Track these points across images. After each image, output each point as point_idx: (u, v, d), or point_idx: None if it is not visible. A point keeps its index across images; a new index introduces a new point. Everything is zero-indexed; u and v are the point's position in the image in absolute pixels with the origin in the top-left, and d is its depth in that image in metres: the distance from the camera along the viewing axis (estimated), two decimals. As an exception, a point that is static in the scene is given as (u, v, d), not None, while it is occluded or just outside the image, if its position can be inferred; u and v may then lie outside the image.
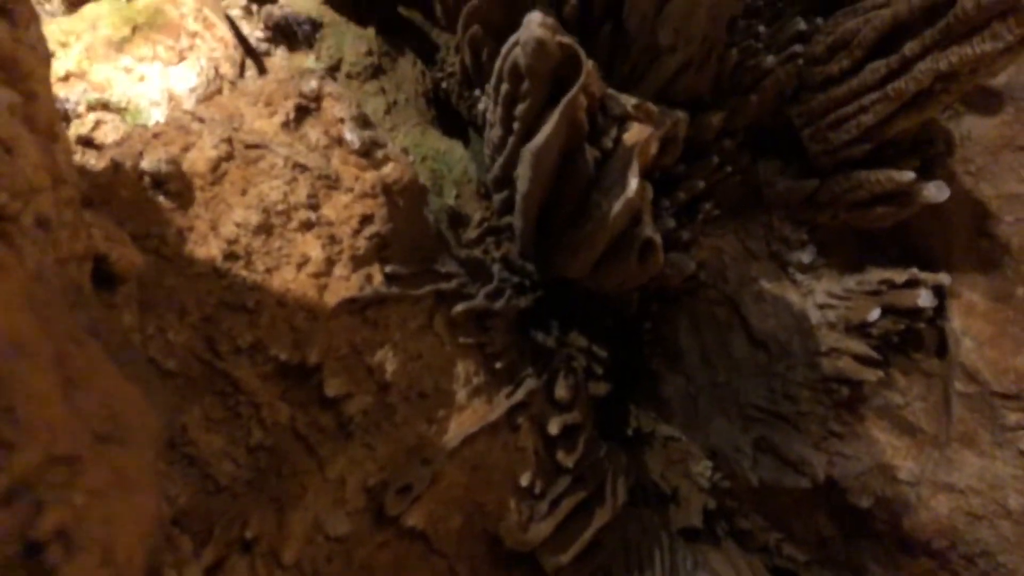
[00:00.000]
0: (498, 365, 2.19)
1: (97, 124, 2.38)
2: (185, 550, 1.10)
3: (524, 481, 2.08)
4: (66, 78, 2.41)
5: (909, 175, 2.00)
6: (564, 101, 1.63)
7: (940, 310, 2.16)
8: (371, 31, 2.98)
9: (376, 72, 2.94)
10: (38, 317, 0.73)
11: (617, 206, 1.73)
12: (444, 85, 3.10)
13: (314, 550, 1.67)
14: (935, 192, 2.00)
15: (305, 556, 1.65)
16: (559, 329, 2.68)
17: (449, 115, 3.14)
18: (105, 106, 2.41)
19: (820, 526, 2.46)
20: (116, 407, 0.73)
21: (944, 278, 2.12)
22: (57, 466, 0.67)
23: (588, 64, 1.64)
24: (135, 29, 2.51)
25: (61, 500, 0.66)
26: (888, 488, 2.20)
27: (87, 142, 2.33)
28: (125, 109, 2.42)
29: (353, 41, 2.92)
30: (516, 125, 1.89)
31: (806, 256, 2.36)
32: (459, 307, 2.09)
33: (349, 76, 2.85)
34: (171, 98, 2.45)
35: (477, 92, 2.86)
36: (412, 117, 2.96)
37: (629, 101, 1.85)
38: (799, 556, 2.56)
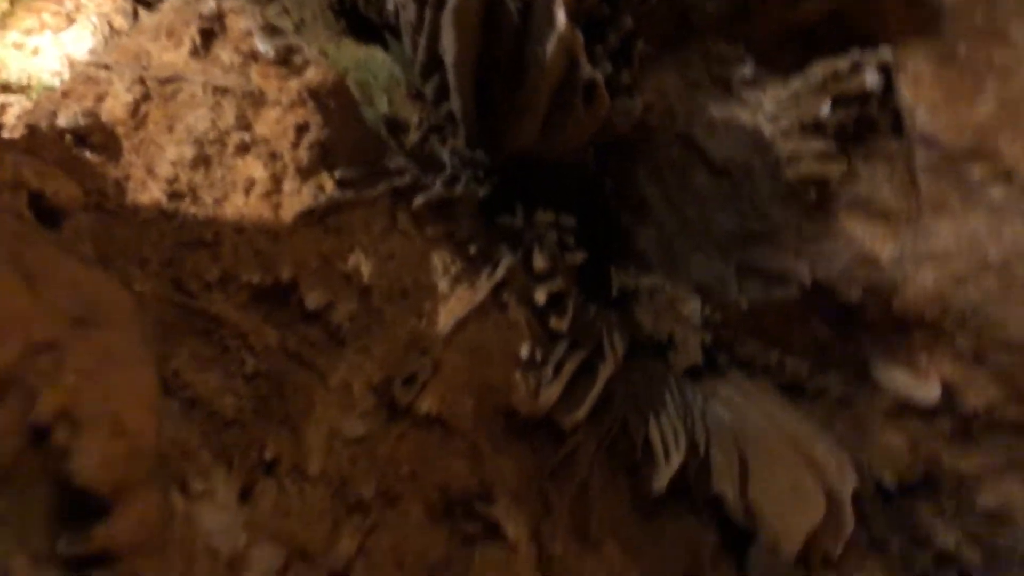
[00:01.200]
0: (472, 250, 2.18)
1: (2, 108, 2.28)
2: (205, 461, 1.09)
3: (523, 353, 2.09)
4: (-45, 68, 2.29)
5: (831, -50, 1.97)
6: (470, -56, 1.57)
7: (889, 89, 2.16)
8: (259, -48, 2.84)
9: (274, -7, 2.82)
10: (-20, 222, 0.69)
11: (551, 46, 1.69)
12: (348, -7, 2.98)
13: (336, 457, 1.67)
14: (860, -36, 1.98)
15: (329, 465, 1.65)
16: (524, 211, 2.65)
17: (360, 24, 3.02)
18: (6, 88, 2.29)
19: (816, 332, 2.50)
20: (86, 293, 0.71)
21: (886, 54, 2.10)
22: (40, 354, 0.64)
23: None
24: (14, 1, 2.37)
25: (53, 384, 0.64)
26: (873, 275, 2.23)
27: (-3, 128, 2.23)
28: (28, 86, 2.31)
29: (243, -34, 2.78)
30: (428, -7, 1.82)
31: (748, 70, 2.33)
32: (419, 199, 2.05)
33: (248, 2, 2.73)
34: (72, 64, 2.34)
35: (383, -9, 2.76)
36: (322, 33, 2.85)
37: (536, -58, 1.79)
38: (802, 367, 2.61)
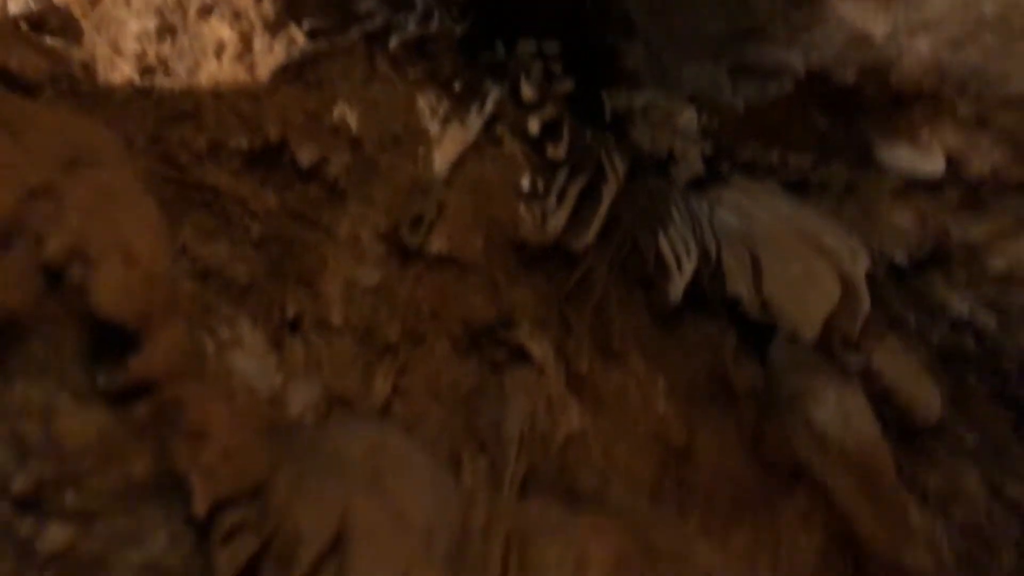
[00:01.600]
0: (457, 87, 2.13)
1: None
2: (226, 312, 1.11)
3: (524, 184, 2.08)
4: None
5: None
6: None
7: None
8: None
9: None
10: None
11: None
12: None
13: (357, 306, 1.70)
14: None
15: (351, 314, 1.69)
16: (505, 44, 2.58)
17: None
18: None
19: (815, 123, 2.46)
20: (73, 136, 0.70)
21: None
22: (38, 199, 0.65)
23: None
24: None
25: (57, 225, 0.65)
26: (868, 54, 2.17)
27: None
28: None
29: None
30: None
31: None
32: (394, 40, 2.00)
33: None
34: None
35: None
36: None
37: None
38: (804, 162, 2.59)
